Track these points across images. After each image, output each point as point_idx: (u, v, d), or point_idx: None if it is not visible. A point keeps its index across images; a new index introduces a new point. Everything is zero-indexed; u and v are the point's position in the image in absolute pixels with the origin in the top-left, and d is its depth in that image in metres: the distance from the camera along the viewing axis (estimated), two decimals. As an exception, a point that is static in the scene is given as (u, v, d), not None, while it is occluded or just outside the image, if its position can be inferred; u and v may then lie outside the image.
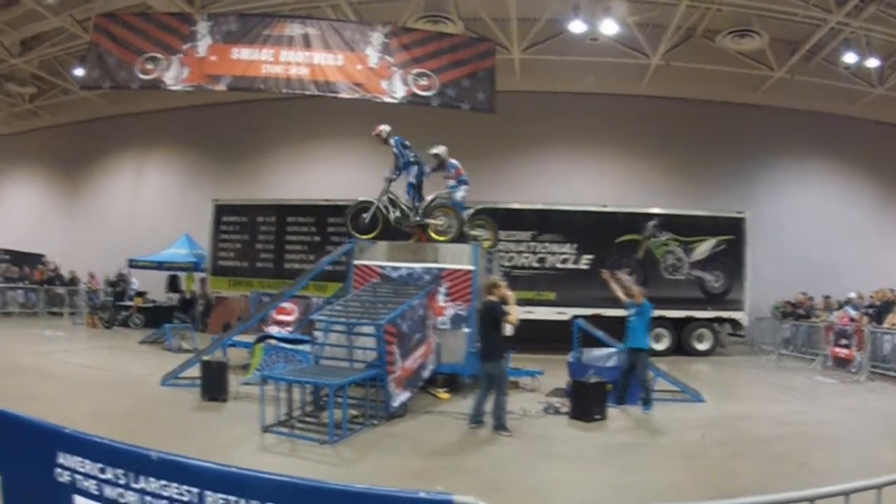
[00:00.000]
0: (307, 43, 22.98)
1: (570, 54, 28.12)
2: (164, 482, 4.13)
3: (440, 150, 18.35)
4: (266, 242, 29.05)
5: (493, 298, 13.21)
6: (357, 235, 18.30)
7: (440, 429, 13.32)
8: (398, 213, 18.36)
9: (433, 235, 18.25)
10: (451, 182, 18.25)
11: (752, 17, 26.04)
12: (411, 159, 18.20)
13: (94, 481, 4.44)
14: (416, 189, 18.30)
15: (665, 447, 12.29)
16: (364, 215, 18.30)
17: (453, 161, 18.36)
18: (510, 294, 13.11)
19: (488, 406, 13.07)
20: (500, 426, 12.85)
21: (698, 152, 30.70)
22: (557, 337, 16.95)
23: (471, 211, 18.90)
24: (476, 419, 13.12)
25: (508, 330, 14.61)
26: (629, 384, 15.24)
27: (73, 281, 37.40)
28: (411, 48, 22.90)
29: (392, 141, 18.05)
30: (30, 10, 27.82)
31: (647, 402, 14.96)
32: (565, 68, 28.97)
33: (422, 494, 3.53)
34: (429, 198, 18.47)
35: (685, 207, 27.32)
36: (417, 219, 18.29)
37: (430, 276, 16.85)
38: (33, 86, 38.17)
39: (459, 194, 18.36)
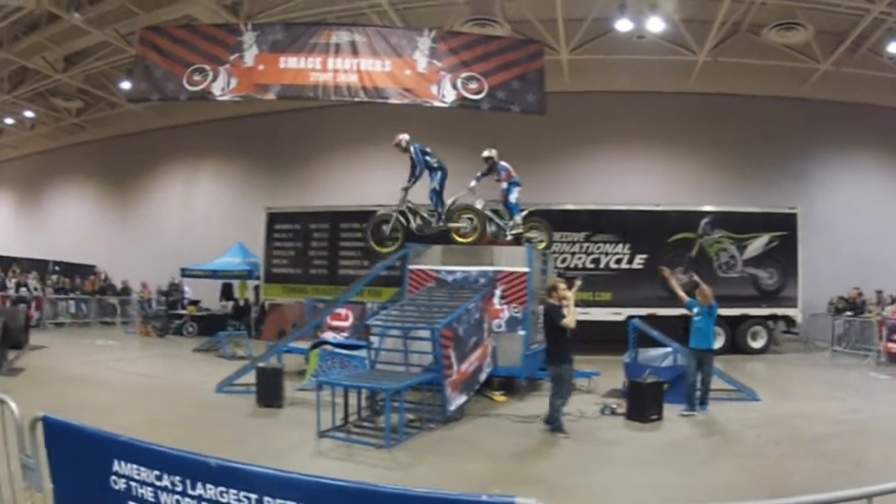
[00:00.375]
0: (354, 50, 22.94)
1: (618, 53, 27.95)
2: (222, 489, 4.12)
3: (491, 153, 18.32)
4: (319, 249, 29.13)
5: (552, 301, 13.09)
6: (378, 249, 18.48)
7: (497, 432, 13.29)
8: (419, 221, 18.36)
9: (457, 238, 18.23)
10: (504, 185, 18.19)
11: (796, 10, 25.70)
12: (434, 165, 18.17)
13: (150, 488, 4.45)
14: (438, 195, 18.24)
15: (720, 447, 12.25)
16: (384, 227, 18.34)
17: (504, 164, 18.33)
18: (569, 295, 12.98)
19: (564, 407, 13.00)
20: (556, 427, 12.83)
21: (748, 148, 30.37)
22: (613, 337, 16.85)
23: (524, 213, 18.76)
24: (547, 421, 13.05)
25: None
26: (706, 384, 14.98)
27: (126, 291, 37.79)
28: (459, 52, 22.78)
29: (412, 149, 18.01)
30: (72, 27, 27.99)
31: (703, 402, 14.82)
32: (613, 67, 28.83)
33: (484, 497, 3.51)
34: (449, 201, 18.43)
35: (737, 204, 27.01)
36: (441, 224, 18.29)
37: (486, 279, 16.84)
38: (79, 100, 38.48)
39: (513, 196, 18.32)
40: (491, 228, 18.33)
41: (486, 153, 18.43)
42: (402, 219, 18.20)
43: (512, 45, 23.31)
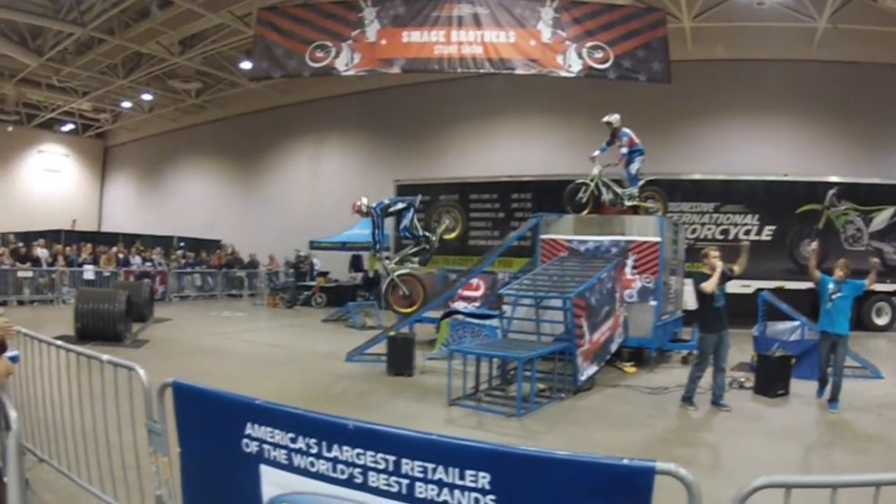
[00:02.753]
0: (477, 22, 22.97)
1: (739, 20, 27.45)
2: (358, 450, 4.07)
3: (613, 118, 17.91)
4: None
5: (704, 270, 12.87)
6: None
7: (626, 403, 13.21)
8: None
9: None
10: (624, 150, 17.91)
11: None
12: (401, 207, 18.15)
13: (283, 451, 4.40)
14: (408, 230, 17.95)
15: (844, 424, 11.86)
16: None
17: (626, 130, 17.91)
18: (716, 264, 12.71)
19: (720, 378, 12.75)
20: (685, 399, 12.69)
21: (874, 118, 29.39)
22: (741, 311, 16.54)
23: (641, 182, 18.52)
24: (713, 393, 12.80)
25: (690, 302, 14.33)
26: (839, 373, 13.13)
27: (253, 264, 38.61)
28: (583, 21, 22.61)
29: (373, 212, 17.86)
30: (186, 11, 28.43)
31: (834, 399, 13.09)
32: (735, 35, 28.30)
33: (624, 461, 3.39)
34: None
35: (864, 175, 26.16)
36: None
37: (618, 249, 16.62)
38: (198, 81, 39.16)
39: (634, 165, 17.99)
40: (608, 196, 18.08)
41: (606, 118, 18.01)
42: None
43: (634, 14, 23.07)
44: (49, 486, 7.48)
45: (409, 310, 17.28)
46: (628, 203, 18.08)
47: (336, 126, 39.74)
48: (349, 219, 31.79)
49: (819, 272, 13.48)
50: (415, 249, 17.67)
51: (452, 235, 18.12)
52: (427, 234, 17.73)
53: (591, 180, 17.91)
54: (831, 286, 13.07)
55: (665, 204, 19.04)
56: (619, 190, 18.16)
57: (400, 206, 18.10)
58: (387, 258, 18.00)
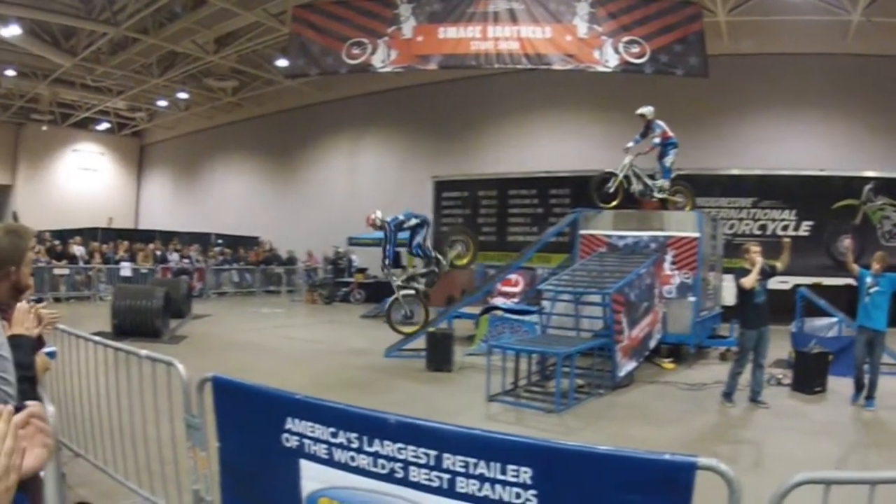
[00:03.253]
0: (513, 17, 22.90)
1: (774, 14, 27.26)
2: (399, 445, 4.07)
3: (646, 110, 17.83)
4: (488, 216, 29.17)
5: (745, 265, 12.81)
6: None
7: (665, 399, 13.17)
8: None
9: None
10: (657, 139, 17.77)
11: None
12: (414, 224, 18.05)
13: (323, 445, 4.40)
14: (421, 247, 18.01)
15: (881, 423, 11.77)
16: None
17: (659, 122, 17.83)
18: (757, 259, 12.63)
19: (759, 375, 12.70)
20: (725, 394, 12.66)
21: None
22: (779, 307, 16.37)
23: (672, 175, 18.47)
24: (751, 390, 12.72)
25: (729, 298, 14.25)
26: (875, 370, 12.89)
27: (291, 260, 38.82)
28: (618, 16, 22.52)
29: (387, 226, 17.79)
30: (220, 9, 28.44)
31: (870, 397, 12.90)
32: (770, 29, 28.10)
33: (666, 456, 3.40)
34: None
35: (898, 170, 25.96)
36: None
37: (657, 244, 16.62)
38: (234, 79, 39.27)
39: (669, 158, 17.97)
40: (638, 187, 18.04)
41: (640, 110, 17.94)
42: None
43: (670, 8, 22.88)
44: (84, 480, 7.55)
45: (409, 330, 17.32)
46: (658, 195, 18.12)
47: (373, 122, 39.75)
48: (388, 214, 31.87)
49: (857, 266, 13.27)
50: (423, 270, 17.78)
51: (463, 262, 18.24)
52: (438, 256, 17.78)
53: (621, 170, 17.85)
54: (868, 280, 12.86)
55: (693, 200, 18.84)
56: (649, 181, 18.13)
57: (414, 221, 18.07)
58: (394, 275, 17.97)
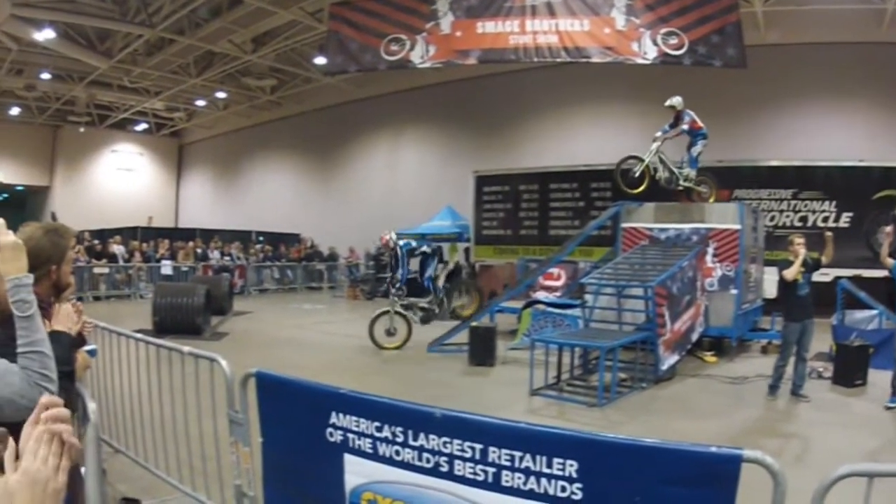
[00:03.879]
0: (551, 11, 22.85)
1: (810, 3, 27.05)
2: (445, 439, 4.08)
3: (675, 101, 17.73)
4: (529, 210, 29.05)
5: (789, 257, 12.70)
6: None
7: (707, 392, 13.17)
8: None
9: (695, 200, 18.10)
10: (685, 126, 17.67)
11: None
12: (428, 252, 18.66)
13: (368, 440, 4.41)
14: (432, 282, 18.42)
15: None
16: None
17: (689, 111, 17.75)
18: (800, 251, 12.54)
19: (801, 368, 12.62)
20: (771, 386, 12.62)
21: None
22: (820, 300, 16.16)
23: (698, 166, 18.32)
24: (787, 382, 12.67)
25: (770, 291, 14.16)
26: None
27: (332, 257, 39.04)
28: (656, 8, 22.39)
29: (399, 249, 18.19)
30: (256, 9, 28.53)
31: None
32: (806, 18, 27.81)
33: (713, 449, 3.41)
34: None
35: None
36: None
37: (698, 237, 16.56)
38: (273, 78, 39.40)
39: (697, 148, 17.90)
40: (664, 174, 18.00)
41: (669, 102, 17.85)
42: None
43: (706, -1, 22.79)
44: (124, 476, 7.67)
45: (390, 345, 17.30)
46: (683, 184, 18.09)
47: (413, 118, 39.81)
48: (429, 210, 31.95)
49: (892, 259, 12.80)
50: (425, 304, 17.89)
51: (466, 313, 18.20)
52: (445, 298, 17.96)
53: (648, 155, 17.82)
54: None
55: (716, 191, 18.79)
56: (675, 170, 18.11)
57: (425, 249, 18.60)
58: (396, 296, 17.94)
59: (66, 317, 3.76)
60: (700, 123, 17.81)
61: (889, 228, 13.13)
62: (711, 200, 18.22)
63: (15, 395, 2.69)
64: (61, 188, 48.87)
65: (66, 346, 3.65)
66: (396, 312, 17.58)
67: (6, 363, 2.75)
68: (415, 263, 18.82)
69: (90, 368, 6.11)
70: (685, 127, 17.67)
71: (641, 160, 17.80)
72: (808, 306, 12.56)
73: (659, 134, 17.90)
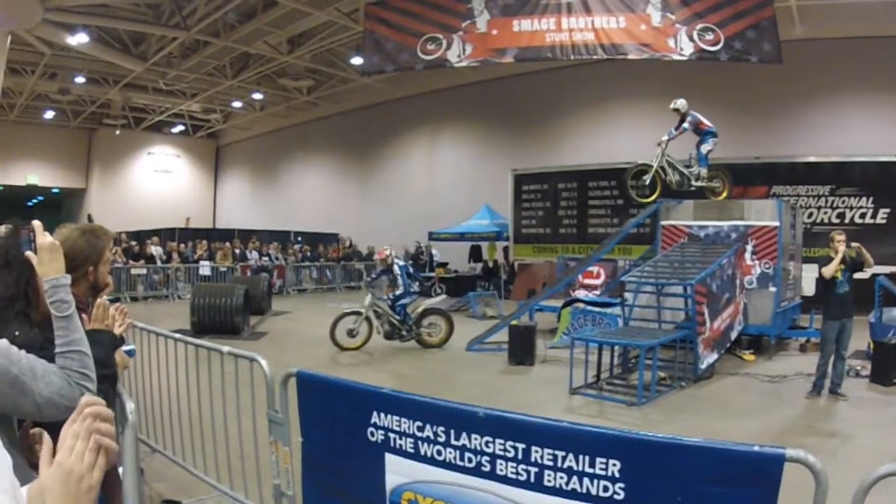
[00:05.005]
0: (587, 8, 22.84)
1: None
2: (487, 438, 4.06)
3: (679, 103, 17.71)
4: (568, 208, 29.06)
5: (831, 254, 12.54)
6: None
7: (746, 391, 13.12)
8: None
9: (711, 197, 18.08)
10: (686, 125, 17.64)
11: None
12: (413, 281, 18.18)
13: (409, 439, 4.40)
14: (404, 308, 17.75)
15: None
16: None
17: (694, 113, 17.72)
18: (838, 248, 12.41)
19: (840, 366, 12.56)
20: (815, 384, 12.51)
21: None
22: (858, 297, 15.92)
23: (708, 163, 18.21)
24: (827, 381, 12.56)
25: (809, 288, 14.08)
26: None
27: (371, 256, 38.59)
28: (691, 3, 22.32)
29: (396, 267, 17.84)
30: (292, 10, 28.66)
31: None
32: (841, 12, 27.50)
33: (755, 448, 3.40)
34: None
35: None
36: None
37: (737, 234, 16.48)
38: (309, 79, 39.51)
39: (706, 146, 17.89)
40: (674, 177, 18.01)
41: (673, 105, 17.84)
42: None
43: (740, -6, 22.68)
44: (161, 475, 7.76)
45: (349, 345, 17.22)
46: (696, 184, 18.08)
47: (450, 117, 39.88)
48: (467, 209, 31.99)
49: None
50: (396, 321, 17.51)
51: (434, 340, 17.82)
52: (413, 325, 17.64)
53: (656, 161, 17.83)
54: None
55: (730, 185, 18.62)
56: (685, 170, 18.13)
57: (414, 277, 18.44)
58: (378, 300, 17.74)
59: (102, 315, 3.80)
60: (707, 123, 17.84)
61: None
62: (724, 196, 18.22)
63: (55, 395, 2.72)
64: (97, 190, 49.45)
65: (108, 346, 3.70)
66: (367, 317, 17.52)
67: (45, 363, 2.78)
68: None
69: (128, 368, 6.17)
70: (688, 127, 17.68)
71: (650, 167, 17.84)
72: (847, 304, 12.41)
73: (664, 138, 17.87)
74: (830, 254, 12.39)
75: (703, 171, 18.02)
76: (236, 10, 29.21)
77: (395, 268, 17.86)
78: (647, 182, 17.84)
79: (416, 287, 18.12)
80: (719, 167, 18.76)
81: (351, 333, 17.28)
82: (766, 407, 11.90)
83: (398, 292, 17.57)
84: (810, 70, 27.60)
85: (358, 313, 17.43)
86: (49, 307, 2.95)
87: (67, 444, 1.72)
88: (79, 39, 30.07)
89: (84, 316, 3.38)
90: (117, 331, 4.00)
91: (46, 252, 3.01)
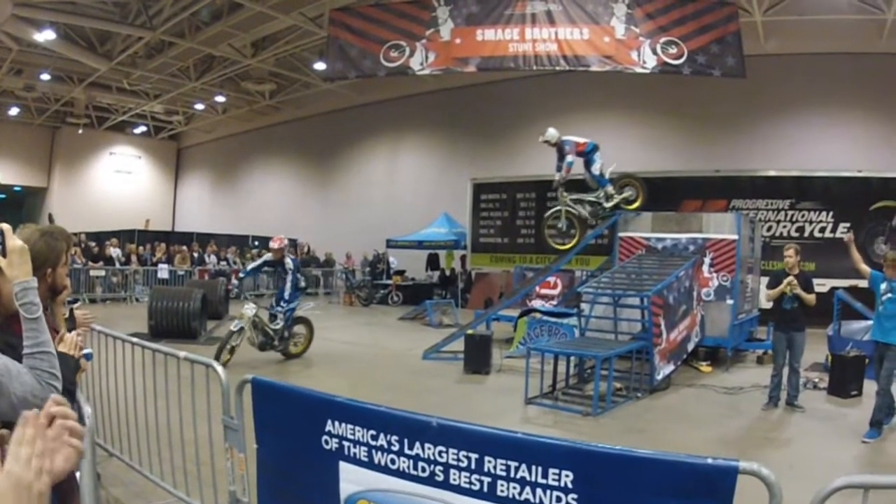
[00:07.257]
0: (551, 19, 22.90)
1: (809, 14, 27.06)
2: (441, 448, 4.07)
3: (548, 135, 17.89)
4: (526, 218, 29.18)
5: (785, 267, 12.63)
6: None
7: (702, 402, 13.19)
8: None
9: (626, 208, 18.17)
10: (570, 158, 17.66)
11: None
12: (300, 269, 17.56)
13: (364, 448, 4.41)
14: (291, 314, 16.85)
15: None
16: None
17: (567, 138, 17.86)
18: (790, 262, 12.48)
19: (794, 379, 12.59)
20: (770, 396, 12.61)
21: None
22: (816, 310, 15.93)
23: (608, 179, 18.38)
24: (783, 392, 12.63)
25: (764, 301, 14.17)
26: (884, 393, 10.69)
27: (329, 262, 39.08)
28: (656, 17, 22.45)
29: (290, 262, 16.84)
30: (257, 13, 28.57)
31: (890, 414, 10.98)
32: (805, 29, 27.78)
33: (708, 461, 3.40)
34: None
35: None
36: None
37: (695, 247, 16.58)
38: (272, 82, 39.50)
39: (595, 166, 18.03)
40: (586, 209, 18.13)
41: (541, 138, 17.98)
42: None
43: (706, 8, 22.75)
44: (118, 480, 7.67)
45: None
46: (608, 204, 18.11)
47: (412, 125, 39.99)
48: (427, 217, 32.02)
49: (868, 268, 11.59)
50: (271, 330, 16.28)
51: (297, 350, 17.19)
52: (290, 333, 16.88)
53: (562, 204, 18.02)
54: (883, 286, 11.00)
55: (643, 188, 18.59)
56: (591, 198, 18.21)
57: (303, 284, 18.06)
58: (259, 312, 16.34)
59: (70, 345, 3.80)
60: (583, 142, 17.95)
61: (850, 235, 12.47)
62: (640, 201, 18.31)
63: (28, 395, 2.74)
64: (59, 189, 48.95)
65: (72, 368, 3.70)
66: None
67: (18, 364, 2.80)
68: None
69: (85, 372, 6.12)
70: (570, 159, 17.69)
71: (560, 213, 18.01)
72: (794, 320, 12.42)
73: (557, 178, 17.96)
74: (786, 268, 12.47)
75: (609, 189, 18.12)
76: (202, 11, 29.15)
77: (288, 261, 16.80)
78: (564, 227, 18.04)
79: (303, 283, 17.76)
80: (625, 175, 18.91)
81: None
82: (723, 418, 11.97)
83: (287, 294, 16.48)
84: (773, 85, 27.83)
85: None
86: (19, 309, 2.95)
87: (12, 451, 1.71)
88: (46, 36, 30.00)
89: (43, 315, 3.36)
90: (79, 355, 3.99)
91: (17, 255, 3.01)
